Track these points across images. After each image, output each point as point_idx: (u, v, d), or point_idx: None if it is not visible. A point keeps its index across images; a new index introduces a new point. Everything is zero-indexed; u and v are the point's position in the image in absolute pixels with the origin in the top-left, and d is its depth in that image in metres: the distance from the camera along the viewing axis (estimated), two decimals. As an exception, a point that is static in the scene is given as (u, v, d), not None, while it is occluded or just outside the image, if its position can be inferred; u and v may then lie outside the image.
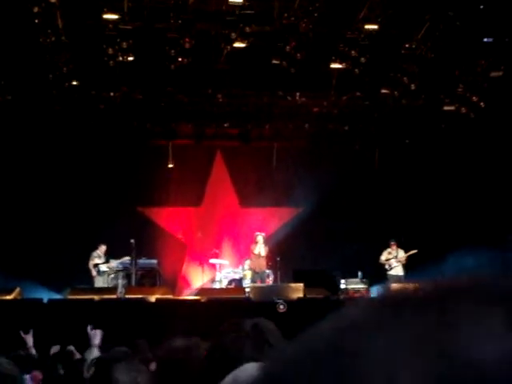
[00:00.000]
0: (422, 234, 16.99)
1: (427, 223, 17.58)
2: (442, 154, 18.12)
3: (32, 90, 16.24)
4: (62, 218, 17.32)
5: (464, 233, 16.64)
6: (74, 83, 16.12)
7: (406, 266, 16.39)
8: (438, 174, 18.12)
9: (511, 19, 14.10)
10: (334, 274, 15.96)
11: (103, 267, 16.01)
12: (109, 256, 16.22)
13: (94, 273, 16.01)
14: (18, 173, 17.14)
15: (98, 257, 16.11)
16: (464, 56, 15.57)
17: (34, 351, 6.54)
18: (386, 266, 16.41)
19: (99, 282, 15.92)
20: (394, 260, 16.36)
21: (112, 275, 16.00)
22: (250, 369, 2.19)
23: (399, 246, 16.44)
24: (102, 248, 16.15)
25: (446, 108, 17.30)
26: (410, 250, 16.19)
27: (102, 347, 5.11)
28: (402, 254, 16.35)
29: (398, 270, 16.37)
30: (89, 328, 4.98)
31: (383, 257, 16.46)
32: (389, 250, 16.46)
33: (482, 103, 16.65)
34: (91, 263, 16.05)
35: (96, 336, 4.90)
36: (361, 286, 16.02)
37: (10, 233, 16.68)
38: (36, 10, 13.05)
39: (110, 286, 15.75)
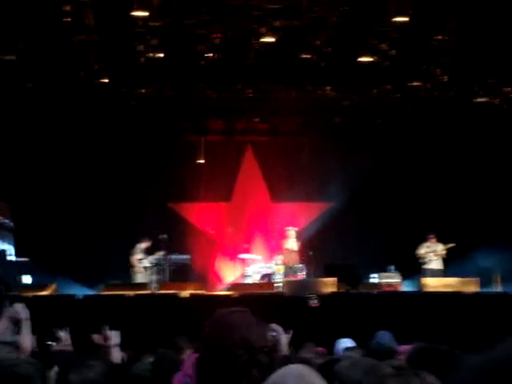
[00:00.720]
0: (457, 227, 16.82)
1: (462, 216, 17.41)
2: (475, 146, 17.94)
3: (64, 88, 16.38)
4: (95, 214, 17.51)
5: (501, 226, 16.46)
6: (105, 80, 16.22)
7: (445, 260, 16.23)
8: (472, 166, 17.95)
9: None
10: (357, 268, 15.82)
11: (145, 262, 16.10)
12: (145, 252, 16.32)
13: (137, 268, 16.06)
14: (51, 169, 17.36)
15: (140, 252, 16.18)
16: (496, 47, 15.35)
17: (70, 347, 6.58)
18: (424, 260, 16.25)
19: (140, 278, 15.98)
20: (433, 253, 16.20)
21: (149, 271, 16.09)
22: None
23: (439, 239, 16.25)
24: (145, 243, 16.19)
25: (478, 100, 17.10)
26: (448, 244, 16.01)
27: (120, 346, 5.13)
28: (440, 248, 16.18)
29: (436, 264, 16.20)
30: (106, 329, 4.96)
31: (422, 250, 16.29)
32: (427, 243, 16.30)
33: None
34: (134, 258, 16.12)
35: (115, 336, 4.90)
36: (394, 279, 15.93)
37: (46, 229, 16.89)
38: (67, 8, 13.15)
39: (147, 281, 15.82)
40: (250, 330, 2.40)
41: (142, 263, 16.06)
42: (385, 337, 6.14)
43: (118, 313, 12.42)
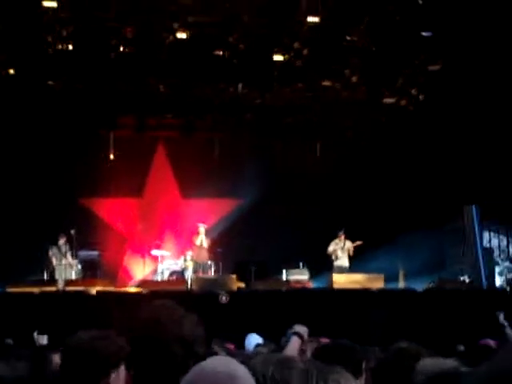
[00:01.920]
0: (365, 224, 17.19)
1: (369, 214, 17.81)
2: (383, 146, 18.40)
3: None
4: (2, 208, 16.98)
5: (404, 222, 16.93)
6: (11, 72, 15.76)
7: (351, 257, 16.53)
8: (379, 166, 18.38)
9: (449, 14, 14.37)
10: (266, 264, 15.95)
11: (57, 258, 15.74)
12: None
13: (53, 265, 15.70)
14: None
15: (56, 248, 15.76)
16: (403, 49, 15.79)
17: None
18: (333, 257, 16.49)
19: (56, 275, 15.58)
20: (341, 251, 16.43)
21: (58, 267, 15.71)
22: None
23: (346, 237, 16.52)
24: (61, 239, 15.81)
25: (386, 101, 17.53)
26: (355, 241, 16.31)
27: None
28: (348, 245, 16.45)
29: (343, 261, 16.46)
30: (35, 333, 5.01)
31: (331, 247, 16.48)
32: (336, 240, 16.51)
33: (420, 96, 16.94)
34: (50, 254, 15.72)
35: (43, 338, 4.94)
36: (302, 276, 16.14)
37: None
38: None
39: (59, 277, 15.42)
40: (181, 324, 2.40)
41: (56, 259, 15.70)
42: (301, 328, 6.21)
43: (25, 310, 12.13)
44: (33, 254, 15.71)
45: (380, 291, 14.14)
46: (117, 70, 16.15)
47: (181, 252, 17.50)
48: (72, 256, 15.87)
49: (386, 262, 15.58)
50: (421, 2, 14.06)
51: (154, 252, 17.19)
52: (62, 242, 15.79)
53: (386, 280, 14.95)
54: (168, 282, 15.90)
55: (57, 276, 15.36)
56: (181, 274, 16.51)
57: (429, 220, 16.76)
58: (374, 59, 16.01)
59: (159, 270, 16.76)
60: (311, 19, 14.61)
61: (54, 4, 13.65)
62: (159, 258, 17.06)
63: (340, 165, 18.74)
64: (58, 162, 17.74)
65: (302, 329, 4.66)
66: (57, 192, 17.56)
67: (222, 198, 18.81)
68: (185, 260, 16.66)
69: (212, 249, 16.78)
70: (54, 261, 15.64)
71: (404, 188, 17.81)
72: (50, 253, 15.72)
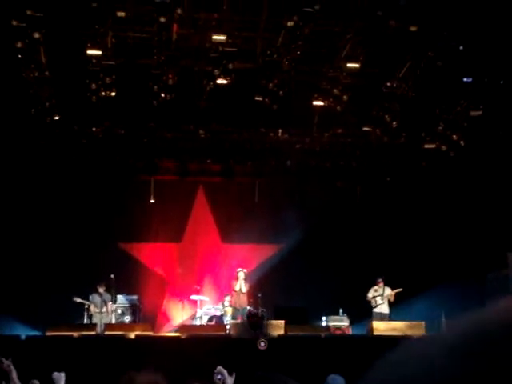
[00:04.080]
0: (405, 271, 16.97)
1: (409, 261, 17.58)
2: (423, 192, 18.24)
3: (14, 125, 16.19)
4: (43, 253, 17.17)
5: (446, 269, 16.67)
6: (56, 118, 16.09)
7: (391, 304, 16.31)
8: (419, 212, 18.20)
9: (490, 60, 14.34)
10: (306, 311, 15.79)
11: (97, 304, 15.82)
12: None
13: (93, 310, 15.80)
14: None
15: (97, 294, 15.86)
16: (444, 95, 15.76)
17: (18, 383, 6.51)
18: (372, 304, 16.33)
19: (94, 319, 15.63)
20: (380, 297, 16.28)
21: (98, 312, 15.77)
22: None
23: (385, 283, 16.36)
24: (101, 287, 15.90)
25: (426, 146, 17.44)
26: (395, 288, 16.14)
27: None
28: (388, 292, 16.29)
29: (383, 308, 16.28)
30: (54, 373, 5.07)
31: (370, 294, 16.37)
32: (375, 287, 16.38)
33: (462, 142, 16.82)
34: (92, 300, 15.83)
35: (61, 379, 4.98)
36: (342, 323, 15.94)
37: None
38: (20, 45, 13.08)
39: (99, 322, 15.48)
40: None
41: (96, 307, 15.77)
42: (336, 381, 6.12)
43: (64, 354, 12.16)
44: (70, 298, 15.79)
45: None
46: (158, 116, 16.39)
47: (220, 297, 17.44)
48: (111, 301, 15.93)
49: (426, 310, 15.32)
50: (462, 47, 14.06)
51: (193, 297, 17.16)
52: (102, 290, 15.86)
53: (427, 328, 14.67)
54: (207, 327, 15.82)
55: (96, 321, 15.41)
56: (220, 319, 16.43)
57: (471, 268, 16.48)
58: (414, 105, 15.99)
59: (198, 315, 16.71)
60: (351, 65, 14.71)
61: (98, 52, 13.97)
62: (198, 303, 17.02)
63: (380, 210, 18.61)
64: (100, 207, 17.92)
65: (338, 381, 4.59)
66: (97, 236, 17.72)
67: (261, 243, 18.77)
68: (223, 305, 16.59)
69: (251, 294, 16.68)
70: (94, 309, 15.69)
71: (445, 235, 17.58)
72: (91, 300, 15.79)
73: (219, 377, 4.37)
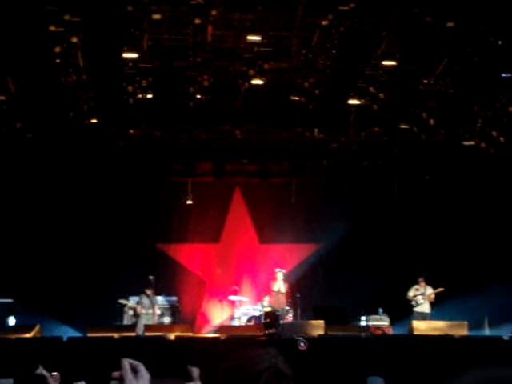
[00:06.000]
0: (444, 270, 16.80)
1: (449, 259, 17.39)
2: (463, 189, 18.01)
3: (52, 128, 16.38)
4: (82, 255, 17.36)
5: (487, 269, 16.45)
6: (94, 121, 16.24)
7: (433, 303, 16.18)
8: (458, 209, 17.99)
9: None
10: (346, 311, 15.72)
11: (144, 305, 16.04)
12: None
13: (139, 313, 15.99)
14: (37, 209, 17.24)
15: (144, 298, 16.06)
16: (483, 91, 15.55)
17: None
18: (413, 303, 16.23)
19: (143, 320, 15.83)
20: (421, 297, 16.18)
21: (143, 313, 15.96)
22: None
23: (427, 282, 16.23)
24: (149, 290, 16.09)
25: (465, 143, 17.22)
26: (437, 288, 16.01)
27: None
28: (429, 291, 16.17)
29: (424, 307, 16.17)
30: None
31: (411, 293, 16.29)
32: (416, 286, 16.29)
33: (501, 138, 16.56)
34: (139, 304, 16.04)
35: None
36: (382, 322, 15.83)
37: (32, 271, 16.72)
38: (58, 49, 13.22)
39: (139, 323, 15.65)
40: (276, 358, 2.41)
41: (144, 309, 15.94)
42: (376, 382, 6.08)
43: (104, 355, 12.25)
44: (113, 300, 15.94)
45: (463, 338, 13.69)
46: (194, 117, 16.44)
47: (258, 297, 17.45)
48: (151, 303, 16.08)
49: (467, 309, 15.14)
50: (500, 42, 13.85)
51: (232, 297, 17.19)
52: (150, 292, 16.04)
53: (470, 328, 14.49)
54: (246, 327, 15.82)
55: (139, 322, 15.56)
56: (258, 319, 16.42)
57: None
58: (452, 102, 15.80)
59: (236, 316, 16.73)
60: (387, 63, 14.59)
61: (135, 55, 14.07)
62: (236, 304, 17.05)
63: (419, 208, 18.43)
64: (138, 209, 18.06)
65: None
66: (136, 238, 17.86)
67: (299, 243, 18.74)
68: (262, 305, 16.59)
69: (290, 294, 16.66)
70: (142, 310, 15.86)
71: (487, 233, 17.34)
72: (139, 301, 15.95)
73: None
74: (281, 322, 14.67)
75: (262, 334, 13.91)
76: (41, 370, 5.47)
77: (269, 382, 2.32)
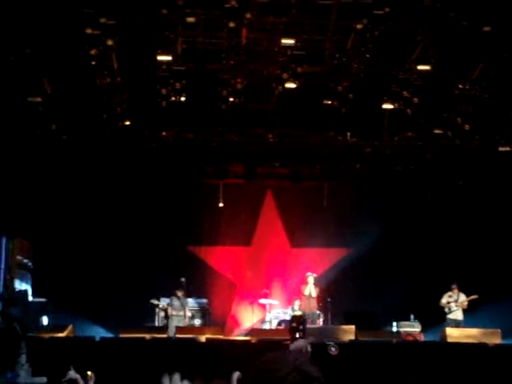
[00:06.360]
0: (477, 277, 16.63)
1: (483, 266, 17.20)
2: (498, 195, 17.81)
3: (87, 130, 16.53)
4: (115, 257, 17.48)
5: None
6: (127, 123, 16.35)
7: (465, 310, 16.03)
8: (492, 216, 17.79)
9: None
10: (377, 316, 15.62)
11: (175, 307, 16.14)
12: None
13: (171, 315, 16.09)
14: (74, 210, 17.40)
15: (176, 300, 16.15)
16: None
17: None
18: (446, 310, 16.10)
19: (175, 322, 15.91)
20: (454, 304, 16.05)
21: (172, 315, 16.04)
22: None
23: (460, 289, 16.09)
24: (180, 292, 16.18)
25: (501, 149, 17.02)
26: (470, 295, 15.86)
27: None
28: (462, 298, 16.03)
29: (457, 315, 16.03)
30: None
31: (444, 300, 16.17)
32: (450, 293, 16.17)
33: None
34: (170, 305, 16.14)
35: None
36: (414, 329, 15.70)
37: (66, 271, 16.87)
38: (93, 52, 13.34)
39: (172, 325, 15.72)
40: (300, 357, 2.39)
41: (175, 310, 16.04)
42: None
43: (136, 356, 12.35)
44: (145, 301, 16.03)
45: (496, 347, 13.54)
46: (227, 120, 16.47)
47: (289, 301, 17.42)
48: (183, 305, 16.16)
49: (500, 317, 14.96)
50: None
51: (262, 301, 17.18)
52: (180, 294, 16.12)
53: (503, 336, 14.32)
54: (276, 330, 15.80)
55: (169, 324, 15.64)
56: (289, 323, 16.37)
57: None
58: (487, 107, 15.63)
59: (267, 319, 16.72)
60: (422, 67, 14.48)
61: (168, 58, 14.14)
62: (267, 307, 17.03)
63: (453, 214, 18.25)
64: (169, 211, 18.14)
65: None
66: (167, 240, 17.94)
67: (330, 247, 18.66)
68: (293, 309, 16.56)
69: (321, 298, 16.61)
70: (173, 311, 15.95)
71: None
72: (169, 303, 16.04)
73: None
74: (307, 326, 14.62)
75: (288, 337, 13.87)
76: (72, 373, 5.49)
77: None
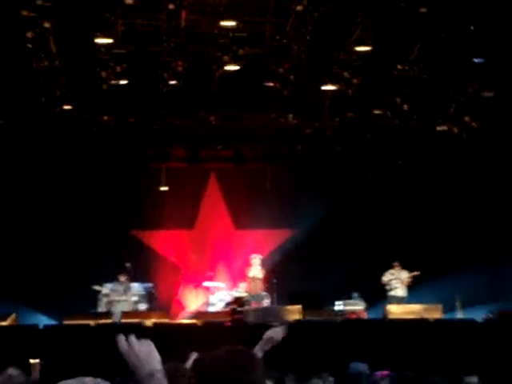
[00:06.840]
0: (419, 254, 16.96)
1: (423, 243, 17.56)
2: (436, 174, 18.17)
3: (24, 114, 16.21)
4: (56, 243, 17.23)
5: (461, 252, 16.65)
6: (67, 107, 16.09)
7: (409, 287, 16.34)
8: (432, 194, 18.16)
9: (502, 40, 14.22)
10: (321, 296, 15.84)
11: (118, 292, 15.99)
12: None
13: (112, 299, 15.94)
14: (11, 197, 17.07)
15: (119, 285, 16.01)
16: (456, 76, 15.67)
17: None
18: (387, 287, 16.35)
19: (119, 307, 15.76)
20: (395, 281, 16.30)
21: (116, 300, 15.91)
22: None
23: (402, 266, 16.37)
24: (123, 277, 16.03)
25: (438, 128, 17.36)
26: (412, 271, 16.16)
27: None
28: (404, 275, 16.30)
29: (399, 291, 16.30)
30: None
31: (385, 277, 16.38)
32: (391, 270, 16.39)
33: (474, 123, 16.72)
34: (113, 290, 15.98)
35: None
36: (358, 307, 15.94)
37: (6, 257, 16.57)
38: (30, 34, 13.07)
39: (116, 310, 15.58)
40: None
41: (117, 295, 15.89)
42: (359, 367, 6.13)
43: (81, 342, 12.24)
44: (88, 287, 15.87)
45: (437, 321, 13.86)
46: (168, 103, 16.36)
47: (234, 283, 17.49)
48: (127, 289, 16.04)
49: (443, 292, 15.31)
50: (472, 28, 13.95)
51: (207, 283, 17.21)
52: (123, 278, 15.98)
53: (444, 311, 14.67)
54: (222, 313, 15.85)
55: (113, 309, 15.51)
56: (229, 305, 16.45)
57: (489, 249, 16.45)
58: (425, 87, 15.90)
59: (212, 302, 16.75)
60: (361, 48, 14.63)
61: (108, 40, 13.94)
62: (212, 290, 17.07)
63: (393, 193, 18.56)
64: (111, 195, 17.95)
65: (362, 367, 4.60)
66: (110, 225, 17.76)
67: (274, 228, 18.77)
68: (238, 291, 16.63)
69: (267, 280, 16.72)
70: (115, 297, 15.81)
71: (459, 217, 17.53)
72: (112, 288, 15.90)
73: None
74: (246, 307, 14.76)
75: (228, 319, 13.98)
76: (12, 370, 5.32)
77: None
